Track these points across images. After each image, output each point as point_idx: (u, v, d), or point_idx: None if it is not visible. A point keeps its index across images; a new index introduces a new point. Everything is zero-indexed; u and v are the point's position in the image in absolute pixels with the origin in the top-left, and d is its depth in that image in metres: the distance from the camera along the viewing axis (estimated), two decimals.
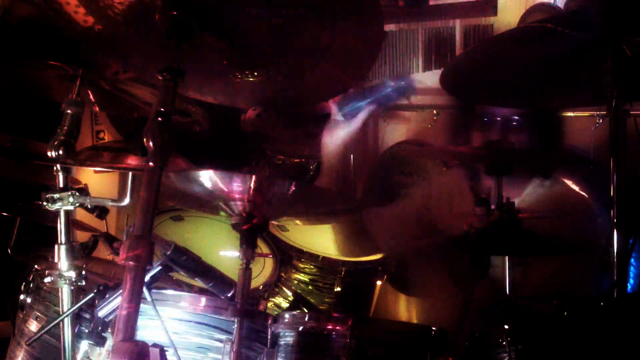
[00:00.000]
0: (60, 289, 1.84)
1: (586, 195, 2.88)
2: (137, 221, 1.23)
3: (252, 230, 1.71)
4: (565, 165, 2.94)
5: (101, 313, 1.61)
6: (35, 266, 2.11)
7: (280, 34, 1.46)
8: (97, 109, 2.77)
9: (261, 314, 1.76)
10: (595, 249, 1.92)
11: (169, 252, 1.57)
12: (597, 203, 2.81)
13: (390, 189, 3.48)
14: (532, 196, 2.44)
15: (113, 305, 1.59)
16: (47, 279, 1.85)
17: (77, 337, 1.84)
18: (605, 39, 1.81)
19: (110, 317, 1.61)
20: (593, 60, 1.87)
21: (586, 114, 2.98)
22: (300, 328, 1.74)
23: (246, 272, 1.68)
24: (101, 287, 1.68)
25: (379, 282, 2.69)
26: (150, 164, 1.26)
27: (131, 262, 1.20)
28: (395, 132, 3.69)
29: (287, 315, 1.77)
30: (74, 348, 1.83)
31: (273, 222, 2.34)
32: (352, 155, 3.66)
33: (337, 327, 1.71)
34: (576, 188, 2.90)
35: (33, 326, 2.03)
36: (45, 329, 1.86)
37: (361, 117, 3.07)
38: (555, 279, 2.43)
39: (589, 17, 1.80)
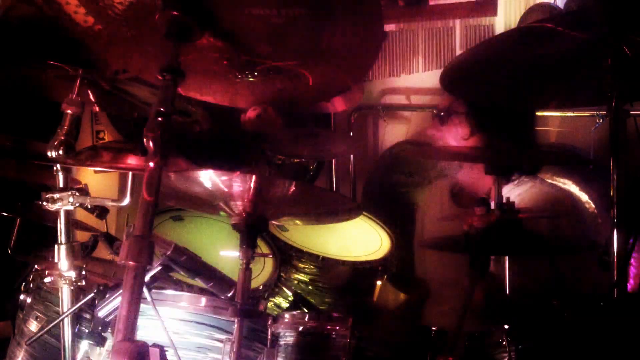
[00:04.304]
0: (60, 289, 1.84)
1: (586, 195, 2.88)
2: (137, 221, 1.23)
3: (252, 230, 1.71)
4: (565, 165, 2.94)
5: (101, 313, 1.61)
6: (35, 266, 2.11)
7: (280, 34, 1.46)
8: (97, 109, 2.77)
9: (261, 314, 1.76)
10: (595, 249, 1.92)
11: (169, 252, 1.57)
12: (597, 203, 2.81)
13: (390, 189, 3.48)
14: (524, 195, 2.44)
15: (113, 305, 1.60)
16: (47, 279, 1.85)
17: (77, 337, 1.84)
18: (605, 39, 1.81)
19: (110, 317, 1.61)
20: (593, 60, 1.87)
21: (586, 114, 2.98)
22: (300, 328, 1.74)
23: (246, 272, 1.68)
24: (101, 287, 1.68)
25: (379, 282, 2.69)
26: (150, 164, 1.26)
27: (131, 262, 1.20)
28: (395, 132, 3.69)
29: (287, 315, 1.77)
30: (74, 348, 1.83)
31: (273, 222, 2.34)
32: (352, 155, 3.67)
33: (337, 327, 1.71)
34: (576, 188, 2.90)
35: (33, 326, 2.03)
36: (45, 329, 1.87)
37: None
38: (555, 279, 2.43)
39: (589, 17, 1.81)
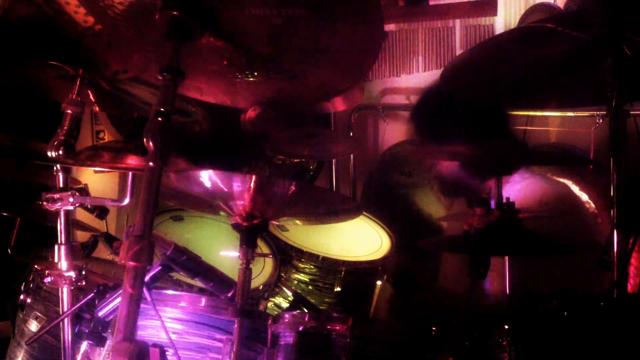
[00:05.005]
0: (60, 289, 1.84)
1: (586, 195, 2.88)
2: (137, 221, 1.23)
3: (252, 230, 1.71)
4: (565, 165, 2.94)
5: (101, 313, 1.61)
6: (35, 266, 2.11)
7: (280, 34, 1.46)
8: (97, 109, 2.77)
9: (261, 314, 1.76)
10: (595, 249, 1.92)
11: (169, 252, 1.57)
12: (597, 203, 2.81)
13: (390, 189, 3.48)
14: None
15: (113, 305, 1.60)
16: (47, 279, 1.85)
17: (77, 337, 1.84)
18: (605, 39, 1.81)
19: (110, 317, 1.61)
20: (593, 60, 1.87)
21: (586, 114, 2.98)
22: (300, 328, 1.73)
23: (246, 272, 1.68)
24: (101, 287, 1.68)
25: (379, 282, 2.69)
26: (150, 164, 1.26)
27: (131, 262, 1.20)
28: (395, 132, 3.69)
29: (287, 315, 1.77)
30: (74, 348, 1.83)
31: (273, 222, 2.34)
32: (352, 155, 3.67)
33: (337, 327, 1.71)
34: (576, 188, 2.90)
35: (33, 326, 2.03)
36: (45, 329, 1.87)
37: None
38: (555, 279, 2.43)
39: (589, 17, 1.80)
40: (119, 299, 1.35)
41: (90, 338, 1.63)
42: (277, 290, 2.54)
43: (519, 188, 2.45)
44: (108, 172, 3.14)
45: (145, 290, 1.51)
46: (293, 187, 1.73)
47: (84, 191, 1.85)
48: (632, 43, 1.82)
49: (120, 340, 1.16)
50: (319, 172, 3.61)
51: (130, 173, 1.90)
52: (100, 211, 1.99)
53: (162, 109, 1.29)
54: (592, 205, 2.86)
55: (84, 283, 1.85)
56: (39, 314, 2.03)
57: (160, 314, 1.58)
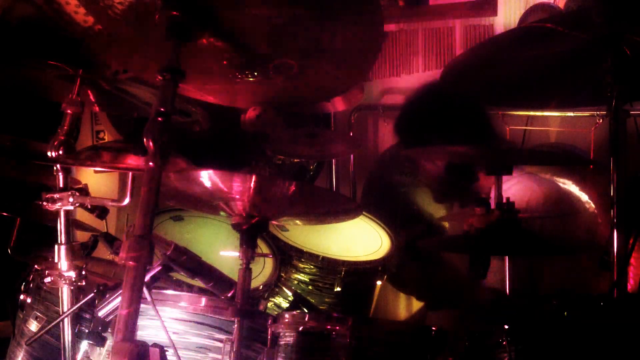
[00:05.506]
0: (60, 289, 1.84)
1: (586, 195, 2.88)
2: (137, 221, 1.23)
3: (252, 230, 1.71)
4: (565, 165, 2.94)
5: (101, 313, 1.61)
6: (35, 266, 2.10)
7: (280, 34, 1.46)
8: (97, 109, 2.77)
9: (261, 314, 1.76)
10: (595, 249, 1.92)
11: (169, 252, 1.57)
12: (597, 203, 2.81)
13: (390, 189, 3.48)
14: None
15: (113, 305, 1.60)
16: (47, 279, 1.85)
17: (77, 337, 1.84)
18: (605, 39, 1.81)
19: (110, 317, 1.61)
20: (593, 60, 1.87)
21: (586, 114, 2.99)
22: (300, 328, 1.73)
23: (246, 272, 1.68)
24: (101, 287, 1.68)
25: (379, 282, 2.69)
26: (150, 164, 1.26)
27: (131, 262, 1.20)
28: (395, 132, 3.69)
29: (287, 315, 1.77)
30: (74, 348, 1.83)
31: (273, 222, 2.34)
32: (352, 155, 3.67)
33: (337, 327, 1.71)
34: (576, 188, 2.90)
35: (33, 326, 2.03)
36: (45, 329, 1.87)
37: None
38: (556, 279, 2.43)
39: (589, 17, 1.81)
40: (119, 299, 1.35)
41: (90, 338, 1.63)
42: (277, 290, 2.54)
43: (507, 187, 2.45)
44: (108, 172, 3.14)
45: (145, 290, 1.51)
46: (293, 187, 1.73)
47: (84, 191, 1.85)
48: (632, 43, 1.83)
49: (120, 340, 1.16)
50: (319, 172, 3.61)
51: (130, 173, 1.90)
52: (100, 211, 1.99)
53: (162, 109, 1.29)
54: (592, 205, 2.86)
55: (84, 283, 1.85)
56: (39, 314, 2.03)
57: (160, 314, 1.58)
